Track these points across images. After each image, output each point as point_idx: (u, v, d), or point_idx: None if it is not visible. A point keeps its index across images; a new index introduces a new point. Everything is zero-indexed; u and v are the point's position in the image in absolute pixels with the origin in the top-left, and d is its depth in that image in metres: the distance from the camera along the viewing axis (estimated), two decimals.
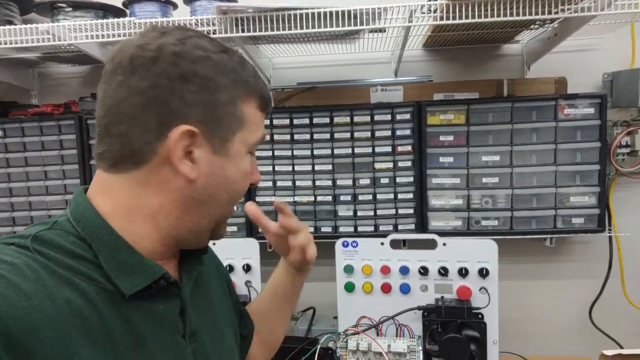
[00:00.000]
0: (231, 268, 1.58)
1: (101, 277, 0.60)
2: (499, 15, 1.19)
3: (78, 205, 0.65)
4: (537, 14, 1.19)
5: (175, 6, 1.46)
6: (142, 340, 0.62)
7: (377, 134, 1.59)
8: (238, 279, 1.59)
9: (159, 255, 0.67)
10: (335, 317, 1.55)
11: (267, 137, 1.62)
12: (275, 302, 1.03)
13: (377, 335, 1.46)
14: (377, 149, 1.59)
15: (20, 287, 0.53)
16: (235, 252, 1.59)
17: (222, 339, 0.81)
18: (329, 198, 1.63)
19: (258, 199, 1.65)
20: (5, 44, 1.34)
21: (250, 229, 1.66)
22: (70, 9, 1.40)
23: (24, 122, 1.69)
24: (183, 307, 0.69)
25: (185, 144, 0.62)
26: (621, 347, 1.62)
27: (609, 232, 1.59)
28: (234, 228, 1.68)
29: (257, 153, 1.61)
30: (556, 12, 1.20)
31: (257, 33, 1.26)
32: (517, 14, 1.19)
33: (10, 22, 1.46)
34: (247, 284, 1.59)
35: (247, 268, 1.58)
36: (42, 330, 0.52)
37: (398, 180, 1.59)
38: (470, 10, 1.20)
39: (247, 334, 0.97)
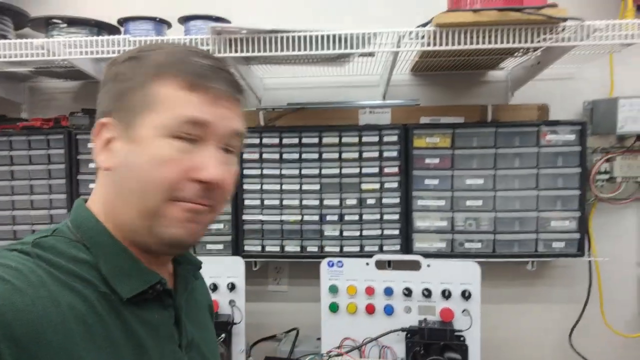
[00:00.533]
0: (215, 287, 1.57)
1: (100, 283, 0.61)
2: (484, 43, 1.24)
3: (79, 213, 0.67)
4: (520, 42, 1.24)
5: (169, 25, 1.48)
6: (144, 348, 0.63)
7: (365, 155, 1.61)
8: (222, 297, 1.57)
9: (143, 258, 0.66)
10: (319, 339, 1.55)
11: (250, 151, 1.64)
12: None
13: (360, 356, 1.47)
14: (365, 170, 1.61)
15: (26, 293, 0.54)
16: (220, 270, 1.58)
17: (213, 356, 0.81)
18: (316, 218, 1.64)
19: (245, 217, 1.65)
20: None
21: (237, 246, 1.66)
22: (65, 25, 1.42)
23: (12, 135, 1.69)
24: (178, 316, 0.70)
25: (105, 136, 0.65)
26: None
27: (589, 257, 1.62)
28: (220, 246, 1.67)
29: (246, 171, 1.63)
30: (538, 41, 1.25)
31: (250, 54, 1.29)
32: (502, 42, 1.24)
33: (4, 37, 1.47)
34: (231, 303, 1.57)
35: (232, 287, 1.57)
36: (47, 335, 0.53)
37: (384, 201, 1.61)
38: (456, 38, 1.25)
39: None
